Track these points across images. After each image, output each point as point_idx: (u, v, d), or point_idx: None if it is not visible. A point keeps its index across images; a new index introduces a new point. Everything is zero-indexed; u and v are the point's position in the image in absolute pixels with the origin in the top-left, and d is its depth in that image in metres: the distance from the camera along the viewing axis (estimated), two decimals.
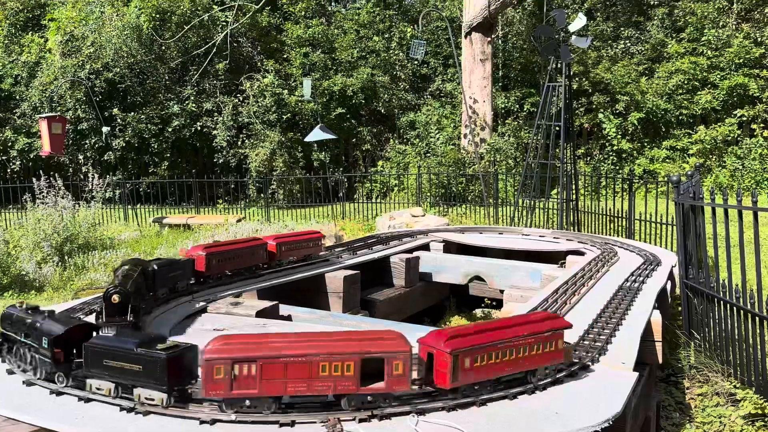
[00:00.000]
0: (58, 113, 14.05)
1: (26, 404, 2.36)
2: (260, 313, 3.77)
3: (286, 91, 17.04)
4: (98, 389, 2.34)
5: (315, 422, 2.17)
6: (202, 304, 3.91)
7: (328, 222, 11.81)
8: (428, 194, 13.83)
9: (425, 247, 6.56)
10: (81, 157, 17.80)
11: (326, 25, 19.26)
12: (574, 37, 9.33)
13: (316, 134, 13.62)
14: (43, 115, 12.38)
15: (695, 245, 5.00)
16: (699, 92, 16.79)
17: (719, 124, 16.39)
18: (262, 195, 15.54)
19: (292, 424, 2.17)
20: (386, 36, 18.97)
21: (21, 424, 2.23)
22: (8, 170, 18.54)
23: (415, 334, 3.51)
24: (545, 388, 2.54)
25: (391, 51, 18.59)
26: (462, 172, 13.92)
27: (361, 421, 2.18)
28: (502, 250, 6.39)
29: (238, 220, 11.61)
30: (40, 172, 10.64)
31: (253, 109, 16.80)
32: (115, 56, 16.89)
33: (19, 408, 2.32)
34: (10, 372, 2.69)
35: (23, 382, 2.57)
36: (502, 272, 5.78)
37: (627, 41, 18.54)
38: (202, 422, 2.18)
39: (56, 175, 10.15)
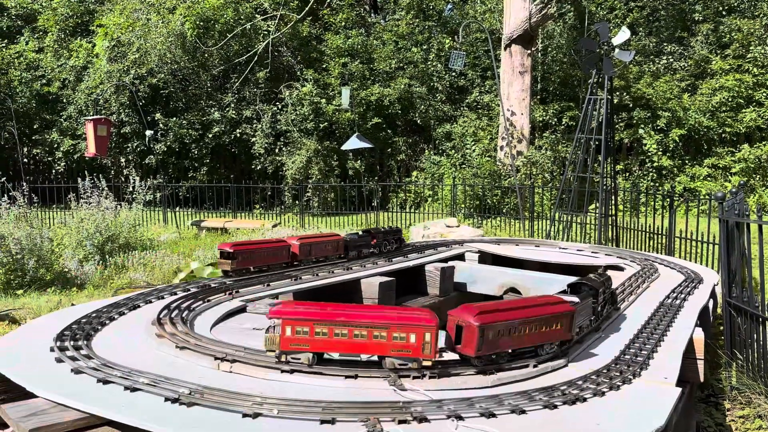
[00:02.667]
0: (104, 116, 14.45)
1: (74, 391, 2.43)
2: None
3: (323, 100, 17.22)
4: None
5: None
6: (240, 303, 3.97)
7: (361, 230, 11.86)
8: (462, 206, 13.79)
9: (460, 257, 6.54)
10: (123, 159, 18.26)
11: (365, 35, 19.43)
12: (617, 50, 9.24)
13: (353, 143, 13.74)
14: (90, 117, 12.75)
15: (739, 264, 4.88)
16: (743, 110, 16.42)
17: (764, 142, 16.00)
18: (297, 202, 15.71)
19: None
20: (424, 47, 19.04)
21: (70, 410, 2.29)
22: (53, 171, 19.12)
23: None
24: (585, 399, 2.51)
25: (429, 62, 18.65)
26: (497, 185, 13.85)
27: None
28: (538, 262, 6.32)
29: (274, 226, 11.74)
30: (84, 173, 10.95)
31: (291, 117, 17.02)
32: (159, 62, 17.31)
33: (68, 394, 2.39)
34: (59, 360, 2.77)
35: (71, 370, 2.65)
36: (538, 285, 5.71)
37: (670, 57, 18.26)
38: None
39: (99, 176, 10.44)
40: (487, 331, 2.59)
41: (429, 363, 2.58)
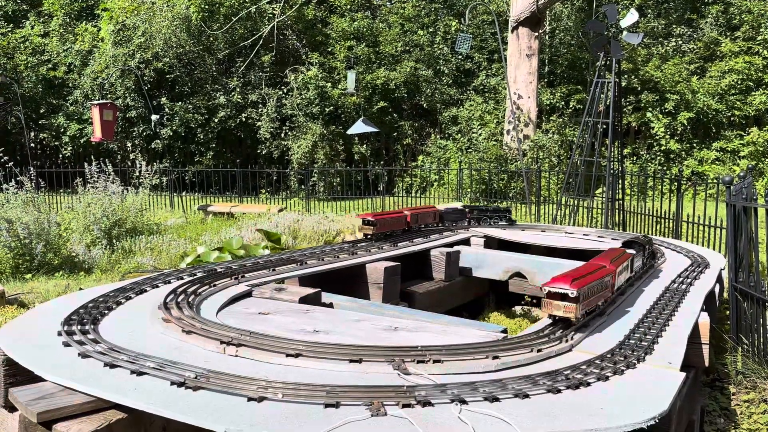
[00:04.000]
0: (110, 101, 14.46)
1: (82, 375, 2.45)
2: (303, 300, 3.82)
3: (329, 84, 17.15)
4: None
5: None
6: (246, 288, 3.99)
7: None
8: (469, 190, 13.76)
9: (466, 241, 6.53)
10: (129, 144, 18.30)
11: (371, 18, 19.30)
12: (625, 32, 9.14)
13: (359, 127, 13.70)
14: (96, 101, 12.76)
15: (746, 248, 4.86)
16: (753, 93, 16.26)
17: None
18: (302, 186, 15.72)
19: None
20: (431, 30, 18.90)
21: (77, 393, 2.32)
22: (60, 155, 19.19)
23: (455, 326, 3.51)
24: (589, 384, 2.51)
25: (435, 45, 18.52)
26: (504, 169, 13.80)
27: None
28: (545, 247, 6.31)
29: (280, 210, 11.76)
30: (91, 157, 10.98)
31: (297, 102, 16.98)
32: (164, 46, 17.27)
33: (75, 378, 2.41)
34: (67, 344, 2.80)
35: (79, 354, 2.67)
36: (544, 269, 5.70)
37: (679, 39, 18.06)
38: None
39: (106, 161, 10.46)
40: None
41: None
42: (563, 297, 3.00)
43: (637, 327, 3.25)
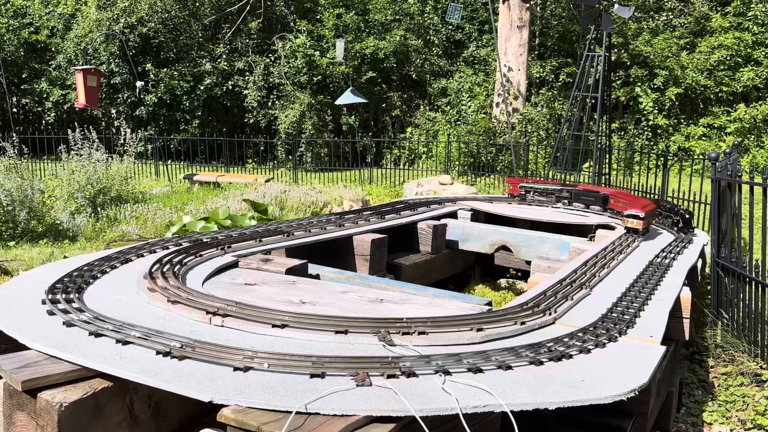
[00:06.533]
0: (94, 66, 14.19)
1: (66, 344, 2.45)
2: (290, 271, 3.83)
3: (317, 53, 16.92)
4: None
5: None
6: (232, 258, 3.98)
7: (355, 187, 11.84)
8: (457, 163, 13.75)
9: (453, 214, 6.55)
10: (114, 111, 18.01)
11: None
12: (616, 5, 9.08)
13: (347, 97, 13.58)
14: (79, 67, 12.52)
15: (729, 224, 4.92)
16: (741, 69, 16.27)
17: (760, 102, 15.90)
18: (290, 157, 15.61)
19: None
20: None
21: (62, 362, 2.32)
22: (43, 121, 18.87)
23: (440, 298, 3.54)
24: (571, 356, 2.55)
25: (425, 15, 18.28)
26: (492, 142, 13.78)
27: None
28: (530, 221, 6.35)
29: (267, 180, 11.70)
30: (75, 124, 10.81)
31: (284, 70, 16.75)
32: (149, 11, 16.90)
33: (59, 347, 2.41)
34: (51, 313, 2.78)
35: (63, 323, 2.66)
36: (529, 243, 5.75)
37: (670, 13, 17.97)
38: None
39: (90, 127, 10.30)
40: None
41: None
42: (636, 217, 4.91)
43: (619, 301, 3.30)
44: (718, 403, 4.05)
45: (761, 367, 4.10)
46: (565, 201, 6.61)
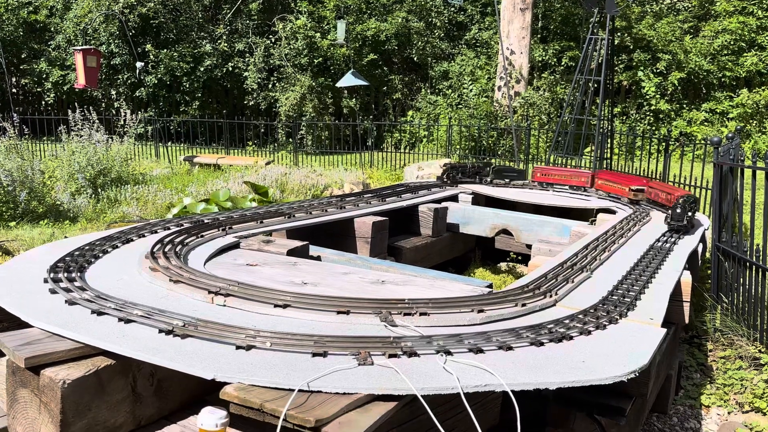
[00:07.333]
0: (93, 47, 14.10)
1: (69, 322, 2.46)
2: (291, 252, 3.83)
3: (318, 35, 16.79)
4: None
5: None
6: (233, 239, 3.98)
7: (355, 170, 11.81)
8: (458, 147, 13.71)
9: (454, 198, 6.55)
10: (113, 92, 17.92)
11: None
12: None
13: (348, 80, 13.50)
14: (79, 47, 12.43)
15: (730, 209, 4.92)
16: (745, 54, 16.16)
17: (763, 87, 15.82)
18: (290, 140, 15.56)
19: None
20: None
21: (65, 340, 2.32)
22: (43, 102, 18.78)
23: (441, 280, 3.55)
24: (572, 338, 2.56)
25: None
26: (494, 126, 13.72)
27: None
28: (531, 204, 6.35)
29: (267, 163, 11.67)
30: (74, 104, 10.75)
31: (285, 52, 16.63)
32: None
33: (62, 325, 2.42)
34: (53, 291, 2.79)
35: (66, 301, 2.67)
36: (530, 227, 5.75)
37: None
38: None
39: (90, 108, 10.25)
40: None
41: None
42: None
43: (620, 283, 3.30)
44: (716, 386, 4.07)
45: (760, 351, 4.12)
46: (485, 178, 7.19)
